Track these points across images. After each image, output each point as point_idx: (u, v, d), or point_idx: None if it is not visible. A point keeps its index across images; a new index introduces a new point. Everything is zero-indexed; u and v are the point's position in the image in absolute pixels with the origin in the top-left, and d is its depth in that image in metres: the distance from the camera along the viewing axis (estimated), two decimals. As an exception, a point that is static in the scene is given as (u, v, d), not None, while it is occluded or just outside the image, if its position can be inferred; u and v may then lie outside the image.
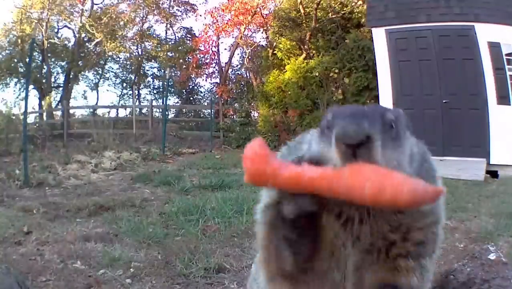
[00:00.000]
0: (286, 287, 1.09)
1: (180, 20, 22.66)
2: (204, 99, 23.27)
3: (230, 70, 20.46)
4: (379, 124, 0.94)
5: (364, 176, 0.88)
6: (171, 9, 22.24)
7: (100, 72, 23.10)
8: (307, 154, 1.00)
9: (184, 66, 20.64)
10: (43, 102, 18.71)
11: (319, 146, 1.00)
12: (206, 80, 22.23)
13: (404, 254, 1.03)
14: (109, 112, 18.75)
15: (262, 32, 18.14)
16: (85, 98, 23.07)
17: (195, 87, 23.40)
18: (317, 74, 12.80)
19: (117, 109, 20.48)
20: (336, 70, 12.38)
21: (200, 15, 21.56)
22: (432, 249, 1.08)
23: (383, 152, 0.91)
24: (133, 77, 23.24)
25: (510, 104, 7.65)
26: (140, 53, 22.58)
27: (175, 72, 21.74)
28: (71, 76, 20.78)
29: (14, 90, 20.31)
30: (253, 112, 15.72)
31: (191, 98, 23.49)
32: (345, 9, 14.11)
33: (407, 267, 1.03)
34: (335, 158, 0.92)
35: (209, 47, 19.63)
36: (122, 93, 23.91)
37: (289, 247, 1.01)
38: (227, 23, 17.84)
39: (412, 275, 1.03)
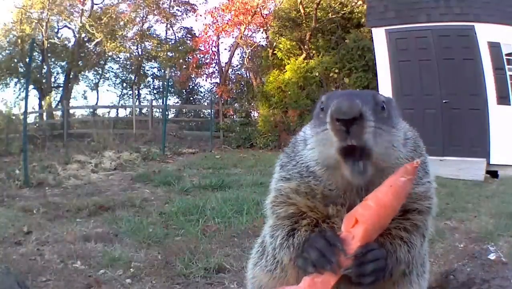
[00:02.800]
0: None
1: (180, 20, 22.69)
2: (204, 99, 23.29)
3: (230, 70, 20.47)
4: (371, 104, 0.99)
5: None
6: (171, 9, 22.23)
7: (100, 72, 23.11)
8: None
9: (184, 66, 20.63)
10: (43, 102, 18.73)
11: (313, 138, 1.07)
12: (206, 80, 22.24)
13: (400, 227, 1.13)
14: (109, 112, 18.81)
15: (262, 32, 18.17)
16: (85, 98, 23.15)
17: (195, 87, 23.44)
18: (317, 74, 12.81)
19: (117, 109, 20.52)
20: (336, 70, 12.39)
21: (200, 15, 21.54)
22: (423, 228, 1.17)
23: (377, 131, 0.95)
24: (133, 77, 23.23)
25: (510, 104, 7.65)
26: (140, 53, 22.58)
27: (175, 72, 21.72)
28: (71, 76, 20.78)
29: (14, 90, 20.39)
30: (253, 112, 15.74)
31: (191, 98, 23.49)
32: (345, 9, 14.11)
33: (400, 235, 1.12)
34: (330, 138, 0.97)
35: (209, 47, 19.65)
36: (122, 93, 23.95)
37: None
38: (227, 23, 17.84)
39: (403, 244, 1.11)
